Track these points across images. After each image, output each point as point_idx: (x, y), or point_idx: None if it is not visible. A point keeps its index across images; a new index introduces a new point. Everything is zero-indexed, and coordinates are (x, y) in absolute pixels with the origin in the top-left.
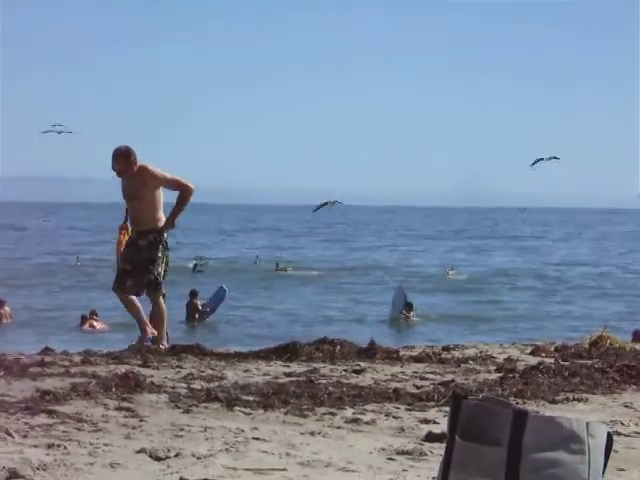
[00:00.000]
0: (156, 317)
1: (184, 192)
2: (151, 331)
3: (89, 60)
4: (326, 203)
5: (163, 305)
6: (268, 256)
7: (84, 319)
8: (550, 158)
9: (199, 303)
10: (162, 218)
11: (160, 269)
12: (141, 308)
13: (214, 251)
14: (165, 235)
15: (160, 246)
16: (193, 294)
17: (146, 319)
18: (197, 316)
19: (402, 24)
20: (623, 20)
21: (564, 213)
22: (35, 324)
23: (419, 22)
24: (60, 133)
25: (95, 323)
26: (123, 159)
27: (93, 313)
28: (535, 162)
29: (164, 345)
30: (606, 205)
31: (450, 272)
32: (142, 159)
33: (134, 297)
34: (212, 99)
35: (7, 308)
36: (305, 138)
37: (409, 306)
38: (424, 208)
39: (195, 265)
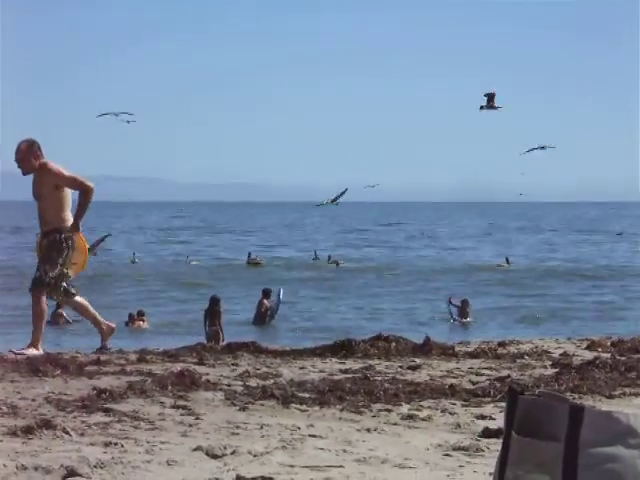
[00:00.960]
0: (34, 317)
1: (84, 192)
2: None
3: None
4: (343, 193)
5: (44, 306)
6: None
7: (131, 318)
8: (543, 147)
9: (268, 303)
10: (68, 219)
11: (56, 271)
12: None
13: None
14: (67, 236)
15: (61, 247)
16: (266, 293)
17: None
18: (267, 318)
19: (404, 25)
20: (623, 27)
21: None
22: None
23: (422, 22)
24: (118, 116)
25: (142, 322)
26: (25, 149)
27: (140, 313)
28: (529, 150)
29: (36, 351)
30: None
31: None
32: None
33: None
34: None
35: (62, 310)
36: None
37: (464, 308)
38: (429, 203)
39: (249, 255)
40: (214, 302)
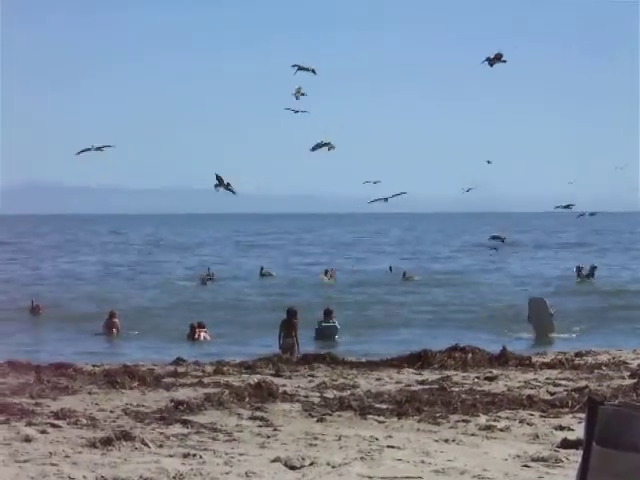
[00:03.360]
0: None
1: None
2: None
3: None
4: (326, 144)
5: None
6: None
7: (193, 329)
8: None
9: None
10: None
11: None
12: None
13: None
14: None
15: None
16: (327, 313)
17: None
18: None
19: (388, 41)
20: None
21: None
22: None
23: (402, 38)
24: (99, 149)
25: (203, 333)
26: None
27: (200, 324)
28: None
29: None
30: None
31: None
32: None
33: None
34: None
35: (117, 320)
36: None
37: (550, 320)
38: (430, 214)
39: (261, 269)
40: (292, 314)
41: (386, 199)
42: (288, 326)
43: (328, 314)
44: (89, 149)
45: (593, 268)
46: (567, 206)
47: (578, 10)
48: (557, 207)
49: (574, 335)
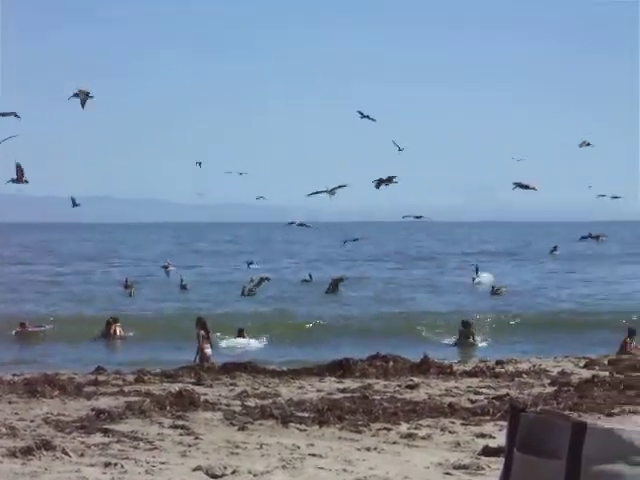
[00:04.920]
0: None
1: None
2: None
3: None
4: (325, 190)
5: None
6: None
7: (108, 324)
8: (390, 180)
9: None
10: None
11: None
12: None
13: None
14: None
15: None
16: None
17: None
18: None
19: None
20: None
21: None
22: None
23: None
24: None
25: (118, 328)
26: None
27: (115, 319)
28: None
29: None
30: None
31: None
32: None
33: None
34: None
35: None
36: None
37: (467, 329)
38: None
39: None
40: (200, 324)
41: (330, 191)
42: (198, 336)
43: (240, 333)
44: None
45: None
46: (418, 217)
47: None
48: (406, 217)
49: (485, 344)
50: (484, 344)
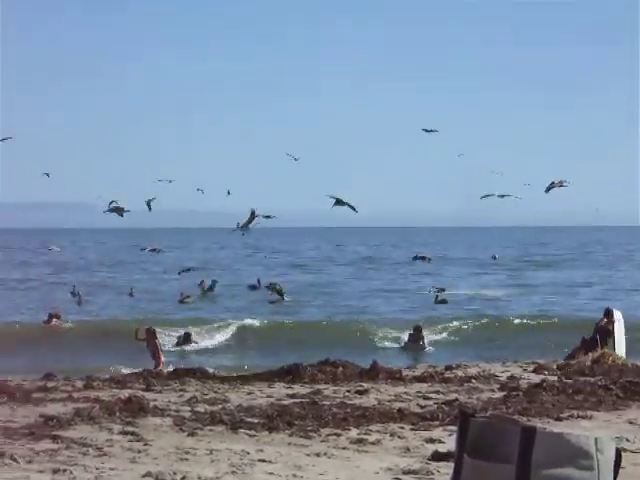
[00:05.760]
0: None
1: None
2: None
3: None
4: (252, 218)
5: None
6: None
7: (50, 317)
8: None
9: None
10: None
11: None
12: None
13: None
14: None
15: None
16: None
17: None
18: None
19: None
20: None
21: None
22: None
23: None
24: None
25: (57, 320)
26: None
27: (57, 315)
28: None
29: None
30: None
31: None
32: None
33: None
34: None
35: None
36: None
37: (418, 333)
38: (434, 228)
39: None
40: (152, 331)
41: (265, 217)
42: (156, 345)
43: (187, 338)
44: None
45: (214, 282)
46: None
47: None
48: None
49: (433, 348)
50: (432, 349)
